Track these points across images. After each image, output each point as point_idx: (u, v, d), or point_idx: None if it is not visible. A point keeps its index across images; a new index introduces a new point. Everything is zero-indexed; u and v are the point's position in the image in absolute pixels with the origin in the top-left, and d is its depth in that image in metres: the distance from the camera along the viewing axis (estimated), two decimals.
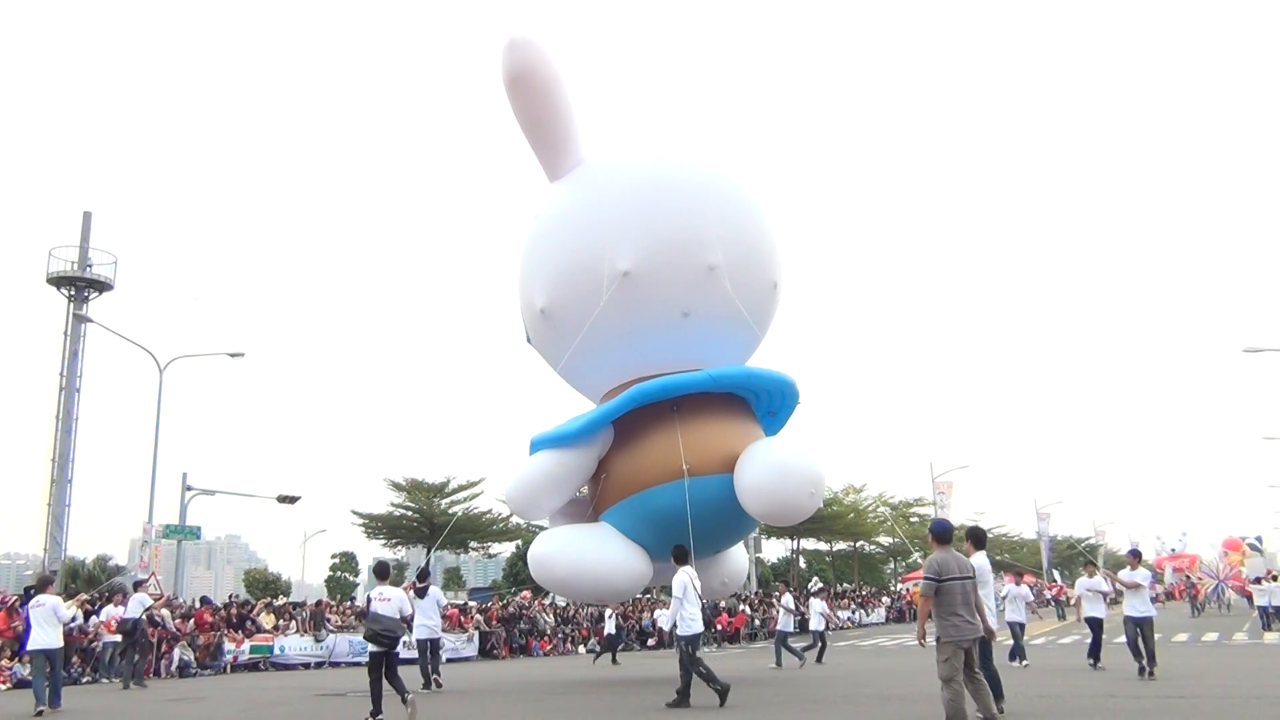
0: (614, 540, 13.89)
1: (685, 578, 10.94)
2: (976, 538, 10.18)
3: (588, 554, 13.68)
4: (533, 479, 14.16)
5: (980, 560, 9.76)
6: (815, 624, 19.41)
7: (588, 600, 25.76)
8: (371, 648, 10.49)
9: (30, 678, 16.91)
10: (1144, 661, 12.87)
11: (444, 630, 18.78)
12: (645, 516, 13.69)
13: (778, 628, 19.15)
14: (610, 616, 23.09)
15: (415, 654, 14.96)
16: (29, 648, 13.08)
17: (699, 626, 10.83)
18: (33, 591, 19.00)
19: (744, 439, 13.99)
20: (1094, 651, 14.77)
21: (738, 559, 16.57)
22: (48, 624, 12.62)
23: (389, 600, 10.40)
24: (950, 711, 7.26)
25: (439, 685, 14.48)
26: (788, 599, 19.96)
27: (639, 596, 44.88)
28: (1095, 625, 14.93)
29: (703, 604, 10.92)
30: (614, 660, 21.43)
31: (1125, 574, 14.18)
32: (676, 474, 13.27)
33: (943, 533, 7.95)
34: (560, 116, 14.32)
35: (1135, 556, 14.82)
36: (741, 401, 14.94)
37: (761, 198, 15.43)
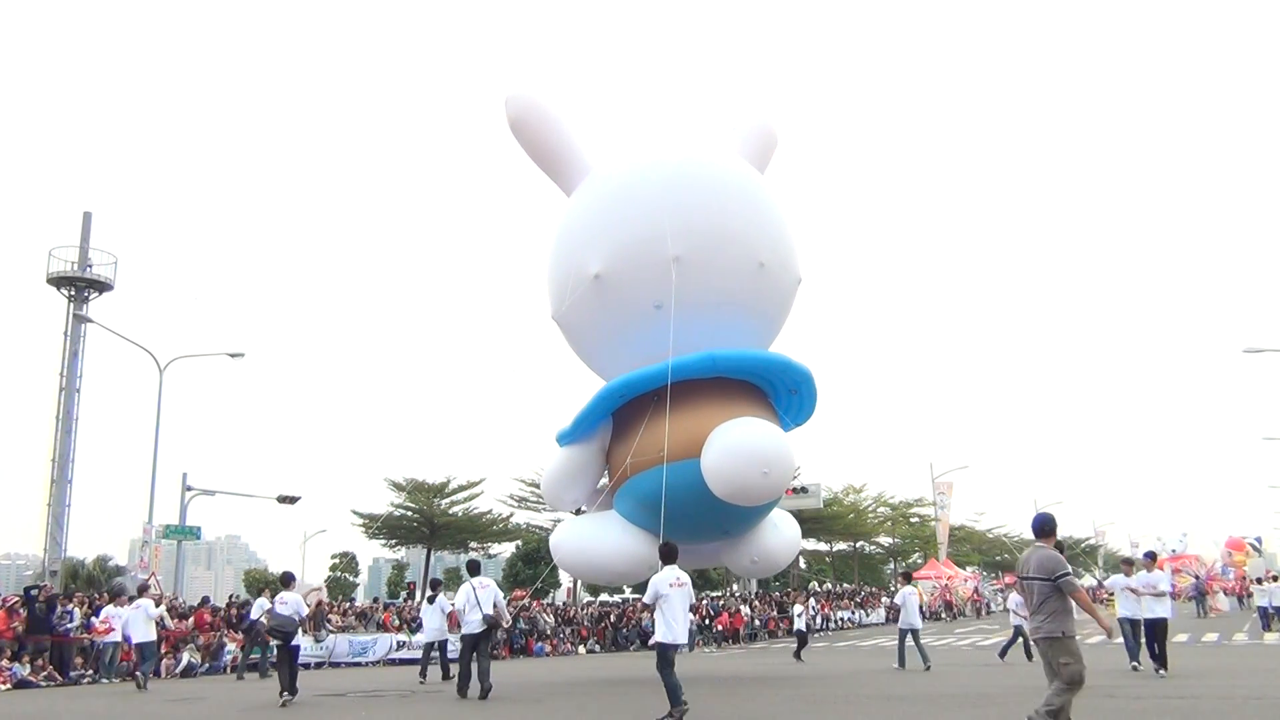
0: (613, 526, 14.80)
1: (468, 588, 12.98)
2: (665, 553, 9.87)
3: (588, 540, 14.98)
4: (552, 474, 15.77)
5: (669, 574, 9.51)
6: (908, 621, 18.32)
7: (595, 582, 26.32)
8: (274, 641, 13.57)
9: (29, 679, 17.11)
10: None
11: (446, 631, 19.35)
12: (636, 502, 14.46)
13: (901, 624, 17.24)
14: (800, 615, 22.62)
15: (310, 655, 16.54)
16: (133, 642, 16.41)
17: (477, 629, 12.76)
18: (58, 593, 19.13)
19: (720, 423, 13.94)
20: (1158, 658, 13.28)
21: (770, 538, 16.01)
22: (142, 622, 15.87)
23: (286, 604, 12.93)
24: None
25: (446, 677, 15.67)
26: (907, 591, 17.61)
27: (639, 597, 44.96)
28: (1151, 628, 13.35)
29: (491, 611, 12.78)
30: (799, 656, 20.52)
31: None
32: (654, 461, 13.84)
33: (1037, 527, 7.40)
34: (560, 148, 15.86)
35: (1150, 559, 14.65)
36: (743, 386, 14.93)
37: (735, 179, 15.36)
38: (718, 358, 14.33)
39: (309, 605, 16.32)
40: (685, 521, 14.22)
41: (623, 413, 15.18)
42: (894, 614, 44.34)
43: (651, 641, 9.51)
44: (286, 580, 14.14)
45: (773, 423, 14.54)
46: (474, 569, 14.05)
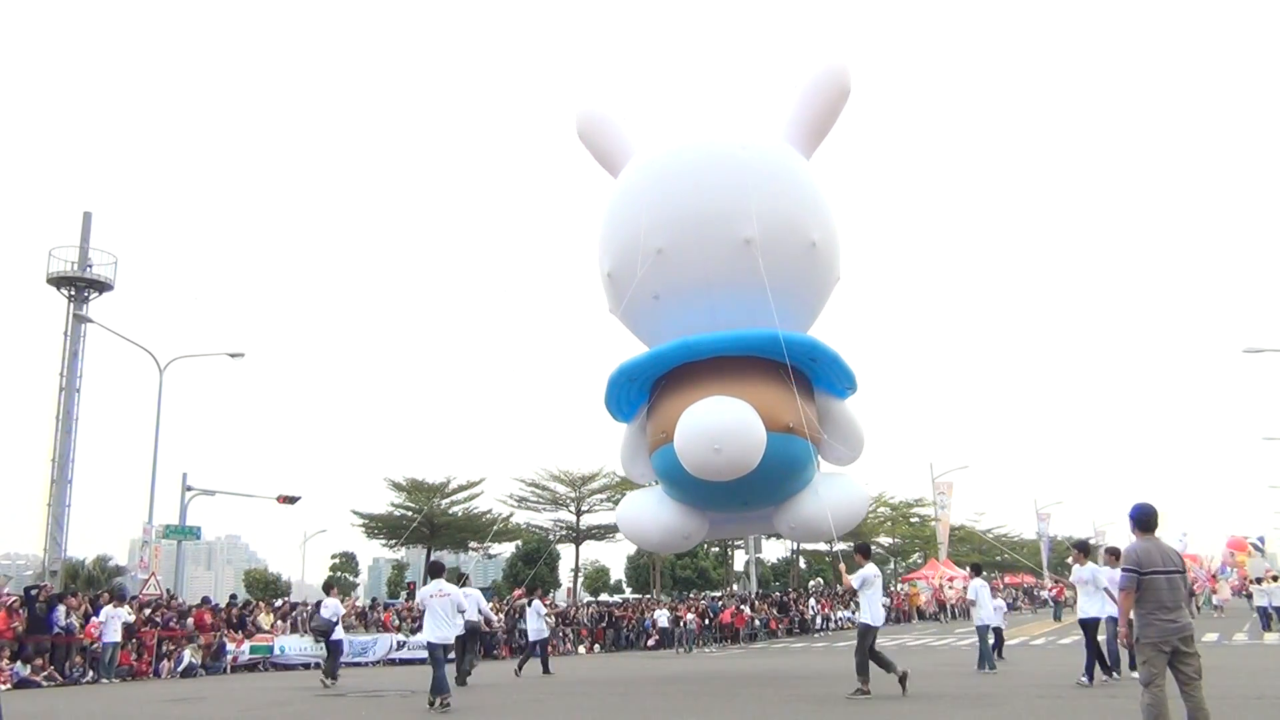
0: (649, 498, 16.01)
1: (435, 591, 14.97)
2: (430, 569, 11.97)
3: (634, 511, 16.11)
4: (620, 450, 17.03)
5: (433, 586, 11.61)
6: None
7: (647, 549, 27.76)
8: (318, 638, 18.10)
9: (29, 679, 17.12)
10: (896, 673, 11.56)
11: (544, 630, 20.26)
12: (659, 478, 15.48)
13: (977, 622, 16.02)
14: (998, 610, 21.21)
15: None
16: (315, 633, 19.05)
17: (449, 632, 14.34)
18: (58, 593, 19.14)
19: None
20: (1108, 662, 12.48)
21: (807, 506, 15.35)
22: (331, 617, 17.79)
23: (327, 607, 16.76)
24: (1148, 717, 6.58)
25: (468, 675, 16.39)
26: (978, 585, 16.09)
27: (643, 597, 45.02)
28: (1089, 629, 12.43)
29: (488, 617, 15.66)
30: (999, 655, 18.35)
31: (861, 574, 11.94)
32: (662, 441, 14.38)
33: (1146, 519, 6.86)
34: (614, 151, 16.72)
35: (1082, 551, 13.55)
36: (754, 364, 14.71)
37: (724, 158, 15.11)
38: (690, 343, 14.56)
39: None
40: (703, 495, 14.81)
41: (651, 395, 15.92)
42: (894, 614, 44.47)
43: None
44: (327, 587, 18.48)
45: (780, 398, 14.16)
46: (437, 572, 15.49)
